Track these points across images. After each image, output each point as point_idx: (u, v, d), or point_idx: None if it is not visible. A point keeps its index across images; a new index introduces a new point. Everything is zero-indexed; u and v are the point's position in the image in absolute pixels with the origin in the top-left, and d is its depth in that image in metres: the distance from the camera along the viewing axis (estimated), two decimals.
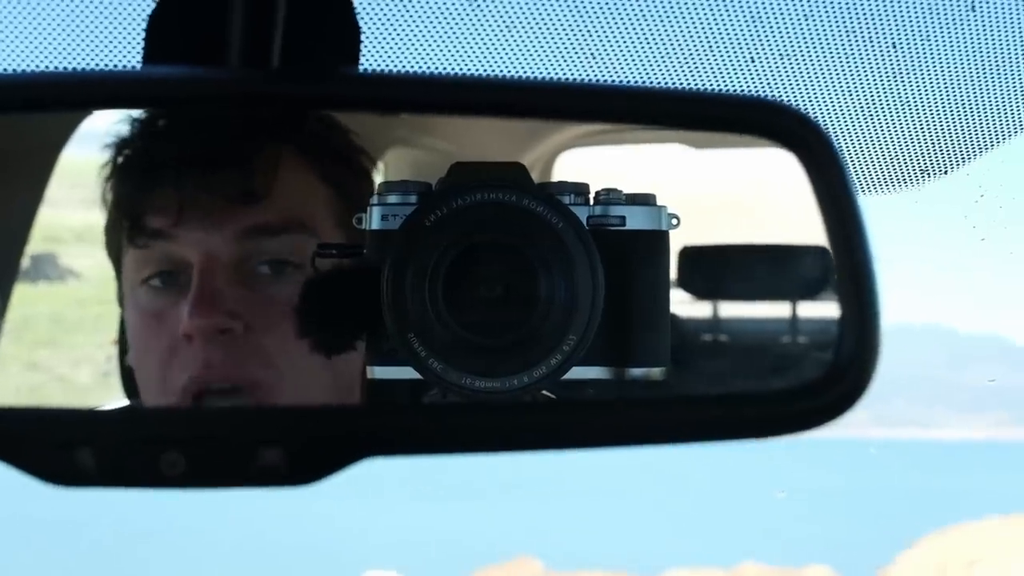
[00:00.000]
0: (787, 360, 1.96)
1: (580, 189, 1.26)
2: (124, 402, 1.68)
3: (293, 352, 1.38)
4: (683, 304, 2.05)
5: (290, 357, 1.40)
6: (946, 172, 2.01)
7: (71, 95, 1.23)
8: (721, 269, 2.05)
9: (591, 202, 1.27)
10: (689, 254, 1.98)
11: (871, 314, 1.12)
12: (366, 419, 1.19)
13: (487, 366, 1.20)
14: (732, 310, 2.08)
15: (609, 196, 1.27)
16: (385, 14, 1.53)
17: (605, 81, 1.61)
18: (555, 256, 1.20)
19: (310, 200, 1.50)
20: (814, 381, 1.17)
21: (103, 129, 1.60)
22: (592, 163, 2.29)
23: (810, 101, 1.86)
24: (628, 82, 1.76)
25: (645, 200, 1.28)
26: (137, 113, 1.51)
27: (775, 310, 2.01)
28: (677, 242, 1.31)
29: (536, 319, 1.21)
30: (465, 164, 1.25)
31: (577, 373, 1.22)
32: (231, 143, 1.46)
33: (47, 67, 1.63)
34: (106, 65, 1.71)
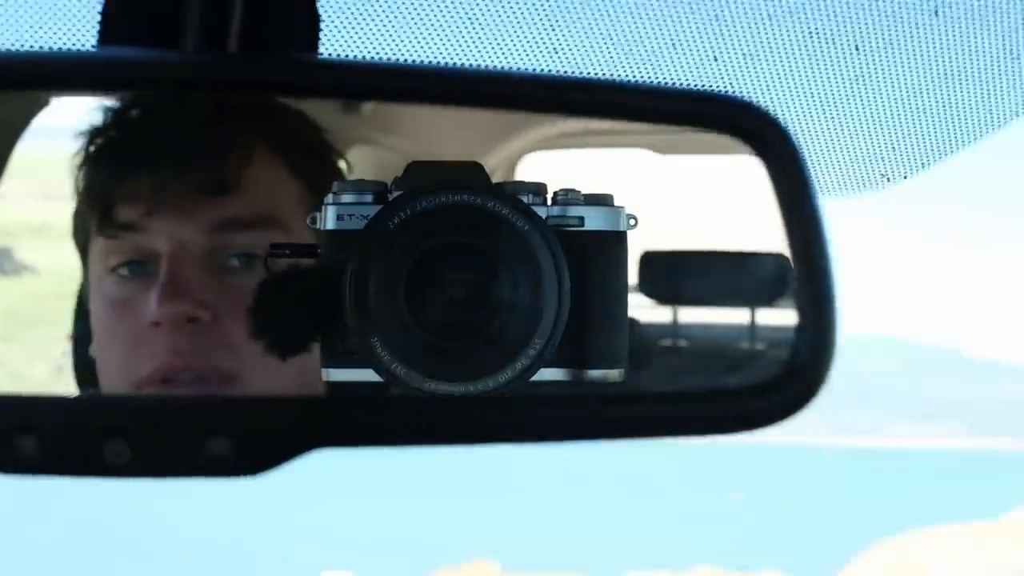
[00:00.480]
0: (745, 360, 1.96)
1: (538, 189, 1.25)
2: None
3: (259, 344, 1.36)
4: (643, 309, 2.06)
5: (257, 349, 1.38)
6: (906, 177, 2.02)
7: (23, 75, 1.21)
8: (681, 274, 2.05)
9: (549, 202, 1.26)
10: (649, 259, 1.98)
11: (828, 311, 1.12)
12: (315, 411, 1.17)
13: (451, 370, 1.19)
14: (692, 315, 2.09)
15: (567, 196, 1.26)
16: (347, 2, 1.51)
17: (567, 75, 1.60)
18: (520, 258, 1.19)
19: (281, 195, 1.49)
20: (770, 379, 1.16)
21: (62, 123, 1.58)
22: (555, 167, 2.28)
23: (772, 102, 1.86)
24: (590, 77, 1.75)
25: (603, 200, 1.27)
26: (110, 102, 1.49)
27: (734, 316, 2.01)
28: (639, 247, 1.31)
29: (501, 322, 1.19)
30: (422, 163, 1.24)
31: (536, 375, 1.20)
32: (203, 134, 1.44)
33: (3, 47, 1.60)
34: (61, 47, 1.69)
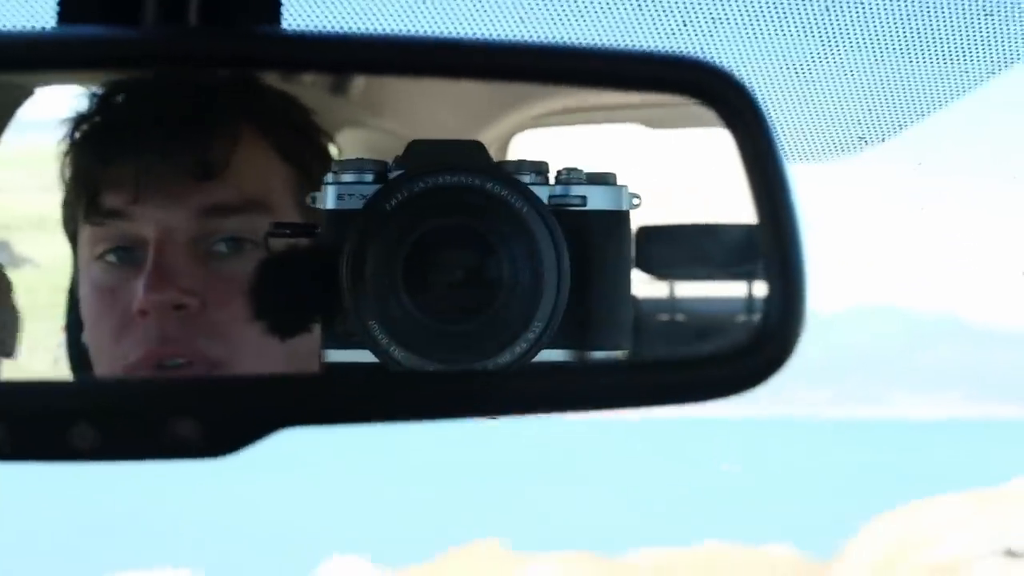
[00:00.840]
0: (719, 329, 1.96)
1: (540, 168, 1.24)
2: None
3: (249, 330, 1.34)
4: (640, 284, 2.05)
5: (245, 335, 1.37)
6: (883, 139, 2.01)
7: None
8: (678, 249, 2.04)
9: (551, 181, 1.24)
10: (646, 234, 1.97)
11: (796, 276, 1.11)
12: (280, 388, 1.16)
13: (450, 352, 1.18)
14: (689, 289, 2.08)
15: (570, 176, 1.25)
16: None
17: (531, 41, 1.59)
18: (518, 239, 1.18)
19: (269, 178, 1.48)
20: (742, 345, 1.15)
21: (58, 115, 1.58)
22: (546, 145, 2.28)
23: (743, 66, 1.85)
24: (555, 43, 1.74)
25: (606, 180, 1.26)
26: (95, 87, 1.48)
27: (732, 288, 2.00)
28: (634, 222, 1.30)
29: (500, 303, 1.18)
30: (424, 141, 1.23)
31: (538, 356, 1.20)
32: (189, 118, 1.43)
33: None
34: (19, 25, 1.67)
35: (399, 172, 1.21)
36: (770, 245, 1.11)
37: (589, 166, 1.27)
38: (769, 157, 1.10)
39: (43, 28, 1.29)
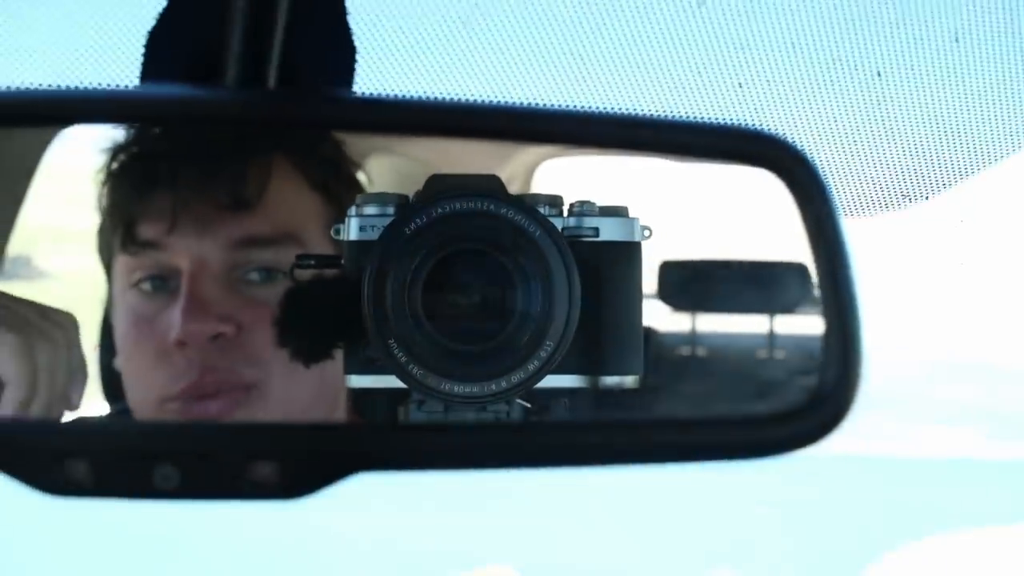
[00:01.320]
0: (770, 383, 1.97)
1: (554, 201, 1.27)
2: (104, 405, 1.68)
3: (281, 354, 1.39)
4: (662, 317, 2.07)
5: (278, 358, 1.40)
6: (927, 197, 2.04)
7: (69, 111, 1.24)
8: (700, 283, 2.05)
9: (565, 213, 1.28)
10: (668, 268, 1.99)
11: (854, 343, 1.14)
12: (357, 436, 1.20)
13: (466, 372, 1.22)
14: (710, 323, 2.09)
15: (583, 208, 1.28)
16: (382, 37, 1.54)
17: (593, 107, 1.62)
18: (532, 265, 1.22)
19: (300, 209, 1.51)
20: (797, 407, 1.18)
21: (83, 133, 1.60)
22: (571, 174, 2.30)
23: (796, 126, 1.88)
24: (616, 108, 1.77)
25: (618, 212, 1.29)
26: (144, 142, 1.52)
27: (753, 324, 2.02)
28: (658, 255, 1.32)
29: (513, 326, 1.22)
30: (442, 176, 1.26)
31: (552, 381, 1.24)
32: (224, 151, 1.47)
33: (47, 84, 1.63)
34: (105, 83, 1.72)
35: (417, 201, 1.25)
36: (830, 313, 1.15)
37: (604, 198, 1.30)
38: (832, 232, 1.13)
39: (126, 86, 1.34)
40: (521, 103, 1.17)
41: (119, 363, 1.54)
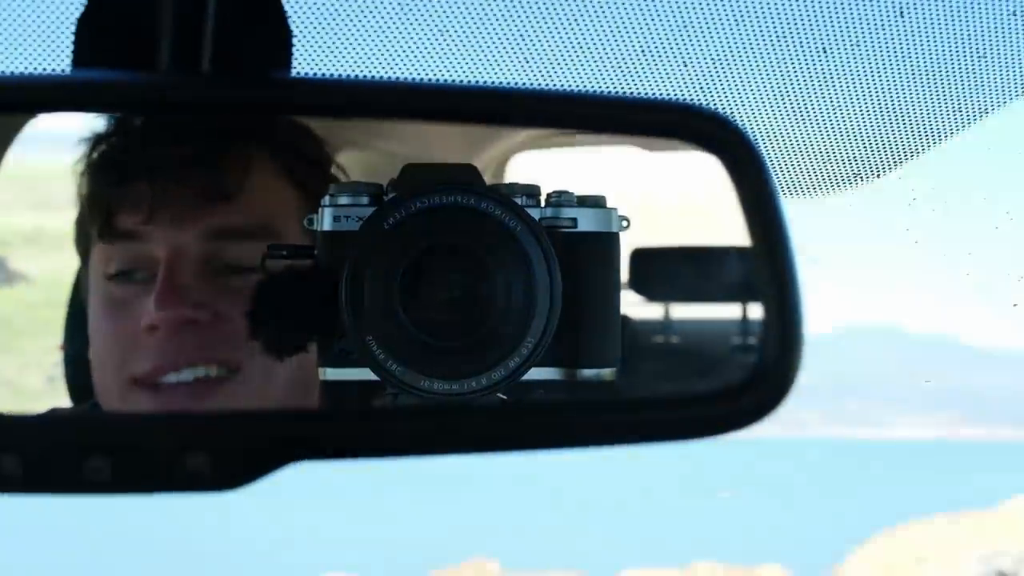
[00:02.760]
0: (715, 364, 1.97)
1: (531, 191, 1.26)
2: (67, 405, 1.66)
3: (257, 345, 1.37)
4: (634, 306, 2.06)
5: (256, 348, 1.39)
6: (878, 176, 2.03)
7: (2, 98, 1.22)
8: (672, 271, 2.05)
9: (542, 204, 1.27)
10: (640, 256, 1.99)
11: (793, 316, 1.13)
12: (291, 423, 1.18)
13: (447, 369, 1.20)
14: (683, 311, 2.09)
15: (560, 198, 1.27)
16: (317, 18, 1.52)
17: (536, 86, 1.61)
18: (512, 258, 1.20)
19: (278, 203, 1.50)
20: (740, 383, 1.18)
21: (54, 132, 1.59)
22: (544, 166, 2.29)
23: (742, 105, 1.87)
24: (559, 87, 1.76)
25: (596, 202, 1.28)
26: (121, 136, 1.50)
27: (726, 311, 2.02)
28: (629, 244, 1.32)
29: (494, 321, 1.20)
30: (417, 165, 1.25)
31: (529, 374, 1.22)
32: (203, 144, 1.45)
33: None
34: (35, 69, 1.70)
35: (394, 194, 1.23)
36: (767, 287, 1.14)
37: (582, 188, 1.29)
38: (766, 199, 1.12)
39: (59, 72, 1.32)
40: (458, 82, 1.15)
41: (91, 353, 1.53)
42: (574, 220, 1.26)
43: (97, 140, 1.51)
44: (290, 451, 1.11)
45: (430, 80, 1.12)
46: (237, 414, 1.32)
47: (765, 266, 1.14)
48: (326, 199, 1.26)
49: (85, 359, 1.55)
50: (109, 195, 1.48)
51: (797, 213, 1.17)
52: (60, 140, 1.55)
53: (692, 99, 1.77)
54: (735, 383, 1.17)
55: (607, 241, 1.27)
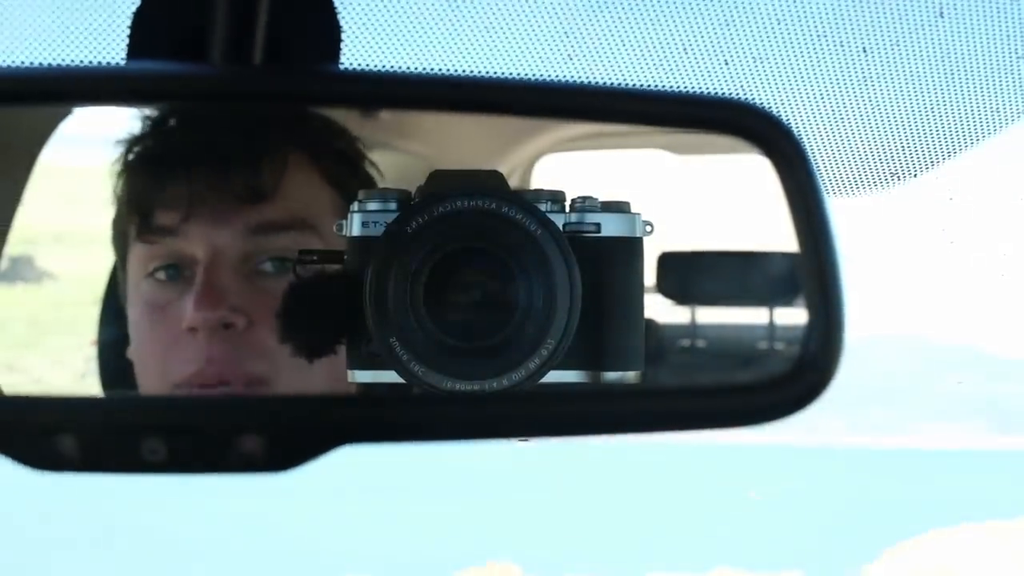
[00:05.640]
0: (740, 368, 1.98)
1: (556, 196, 1.28)
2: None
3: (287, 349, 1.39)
4: (661, 309, 2.07)
5: (288, 351, 1.41)
6: (916, 175, 2.04)
7: (54, 89, 1.24)
8: (699, 274, 2.06)
9: (567, 209, 1.29)
10: (667, 260, 1.99)
11: (836, 306, 1.15)
12: (341, 408, 1.21)
13: (467, 369, 1.22)
14: (710, 315, 2.10)
15: (584, 203, 1.29)
16: (368, 13, 1.54)
17: (579, 81, 1.63)
18: (533, 262, 1.22)
19: (315, 201, 1.53)
20: (782, 374, 1.19)
21: (83, 132, 1.61)
22: (571, 168, 2.30)
23: (782, 104, 1.88)
24: (602, 82, 1.77)
25: (620, 207, 1.30)
26: (149, 111, 1.53)
27: (753, 315, 2.03)
28: (655, 246, 1.33)
29: (515, 323, 1.23)
30: (444, 172, 1.27)
31: (553, 377, 1.24)
32: (241, 143, 1.48)
33: (31, 62, 1.64)
34: (90, 61, 1.73)
35: (419, 200, 1.25)
36: (811, 277, 1.15)
37: (608, 192, 1.31)
38: (812, 196, 1.14)
39: (113, 63, 1.35)
40: (506, 76, 1.17)
41: (131, 352, 1.55)
42: (598, 225, 1.28)
43: (134, 141, 1.53)
44: (340, 435, 1.14)
45: (477, 74, 1.14)
46: (289, 398, 1.34)
47: (809, 257, 1.15)
48: (355, 205, 1.29)
49: (118, 355, 1.58)
50: (147, 194, 1.50)
51: (834, 211, 1.19)
52: (87, 141, 1.57)
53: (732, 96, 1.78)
54: (777, 374, 1.18)
55: (631, 246, 1.30)
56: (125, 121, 1.65)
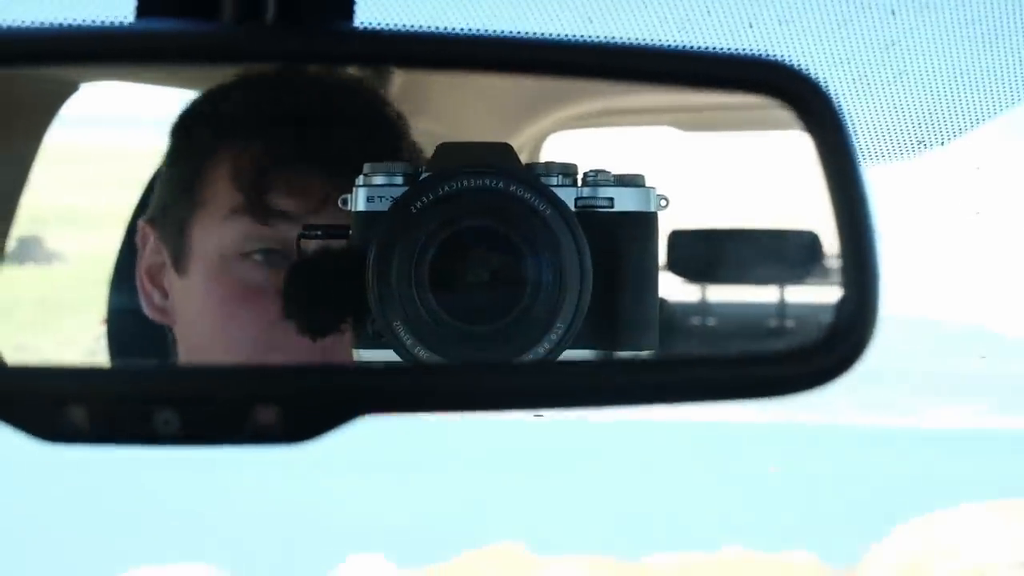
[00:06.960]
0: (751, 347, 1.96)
1: (568, 170, 1.25)
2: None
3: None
4: (672, 287, 2.06)
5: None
6: (943, 143, 2.01)
7: (60, 49, 1.22)
8: (710, 253, 2.05)
9: (579, 183, 1.25)
10: (678, 237, 1.98)
11: (871, 278, 1.12)
12: (359, 377, 1.18)
13: (474, 354, 1.20)
14: (721, 293, 2.08)
15: (597, 177, 1.26)
16: None
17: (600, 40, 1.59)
18: (541, 240, 1.19)
19: None
20: (813, 343, 1.16)
21: (91, 112, 1.59)
22: (580, 147, 2.29)
23: (807, 67, 1.85)
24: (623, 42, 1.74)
25: (634, 181, 1.27)
26: (248, 96, 1.50)
27: (764, 294, 2.01)
28: (666, 225, 1.30)
29: (523, 304, 1.20)
30: (451, 144, 1.24)
31: (565, 356, 1.21)
32: (347, 130, 1.47)
33: (36, 22, 1.61)
34: (98, 20, 1.69)
35: (427, 175, 1.22)
36: (846, 244, 1.12)
37: (619, 168, 1.28)
38: (846, 157, 1.11)
39: (121, 22, 1.32)
40: (523, 34, 1.14)
41: (181, 330, 1.52)
42: (611, 199, 1.25)
43: (212, 104, 1.51)
44: (359, 405, 1.11)
45: (498, 33, 1.11)
46: (306, 367, 1.31)
47: (844, 223, 1.12)
48: (360, 179, 1.26)
49: (129, 334, 1.55)
50: (264, 174, 1.47)
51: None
52: (94, 121, 1.55)
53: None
54: (811, 343, 1.15)
55: (645, 221, 1.26)
56: (130, 99, 1.61)
